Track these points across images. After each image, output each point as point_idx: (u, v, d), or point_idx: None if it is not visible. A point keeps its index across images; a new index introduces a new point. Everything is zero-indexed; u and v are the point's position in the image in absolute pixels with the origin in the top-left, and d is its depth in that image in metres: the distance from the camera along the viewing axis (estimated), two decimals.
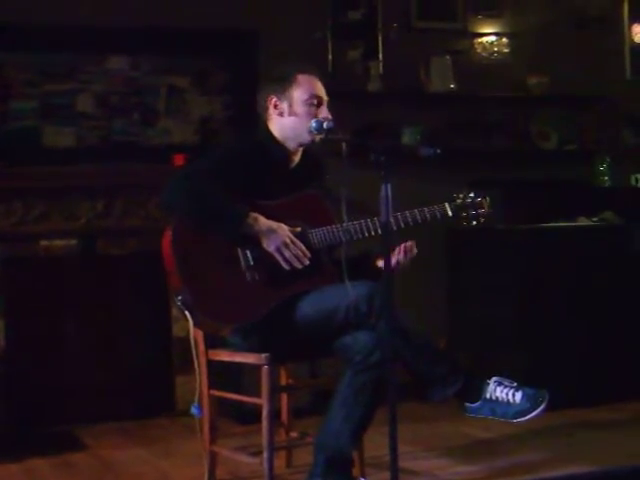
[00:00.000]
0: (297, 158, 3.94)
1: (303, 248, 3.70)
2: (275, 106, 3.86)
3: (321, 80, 3.91)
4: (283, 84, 3.86)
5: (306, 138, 3.83)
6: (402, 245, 3.79)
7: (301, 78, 3.85)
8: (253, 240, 3.68)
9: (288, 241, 3.67)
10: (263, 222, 3.67)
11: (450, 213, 3.82)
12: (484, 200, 3.86)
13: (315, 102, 3.83)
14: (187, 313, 3.67)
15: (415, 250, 3.81)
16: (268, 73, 4.08)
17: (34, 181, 5.31)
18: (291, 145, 3.89)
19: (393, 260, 3.67)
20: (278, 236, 3.66)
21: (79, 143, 5.55)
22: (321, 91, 3.87)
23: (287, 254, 3.67)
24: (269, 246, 3.66)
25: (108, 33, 5.49)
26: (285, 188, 3.82)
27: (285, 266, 3.68)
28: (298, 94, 3.83)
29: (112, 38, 5.53)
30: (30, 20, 5.31)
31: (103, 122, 5.61)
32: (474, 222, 3.86)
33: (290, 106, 3.83)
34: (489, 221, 3.91)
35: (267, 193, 3.75)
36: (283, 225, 3.70)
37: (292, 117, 3.82)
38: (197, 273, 3.66)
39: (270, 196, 3.76)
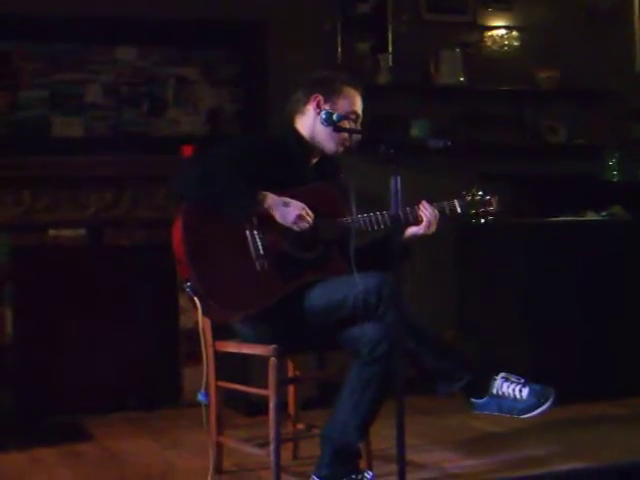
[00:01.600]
0: (316, 159, 3.95)
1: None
2: (318, 104, 3.86)
3: (363, 98, 3.93)
4: (332, 88, 3.88)
5: (330, 149, 3.88)
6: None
7: (349, 91, 3.90)
8: (264, 228, 3.68)
9: (304, 213, 3.67)
10: (275, 197, 3.67)
11: (459, 210, 3.86)
12: (493, 198, 3.90)
13: (353, 117, 3.86)
14: (196, 300, 3.67)
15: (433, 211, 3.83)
16: (313, 72, 4.07)
17: (43, 171, 5.32)
18: (315, 146, 3.90)
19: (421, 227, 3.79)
20: (294, 207, 3.67)
21: (88, 133, 5.56)
22: (360, 109, 3.92)
23: (304, 225, 3.67)
24: (286, 218, 3.66)
25: (117, 23, 5.51)
26: (300, 184, 3.81)
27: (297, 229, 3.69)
28: (343, 104, 3.86)
29: (121, 28, 5.54)
30: (39, 10, 5.31)
31: (112, 112, 5.62)
32: (482, 219, 3.89)
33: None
34: (497, 219, 3.94)
35: (281, 186, 3.74)
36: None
37: None
38: (207, 261, 3.65)
39: (283, 189, 3.76)
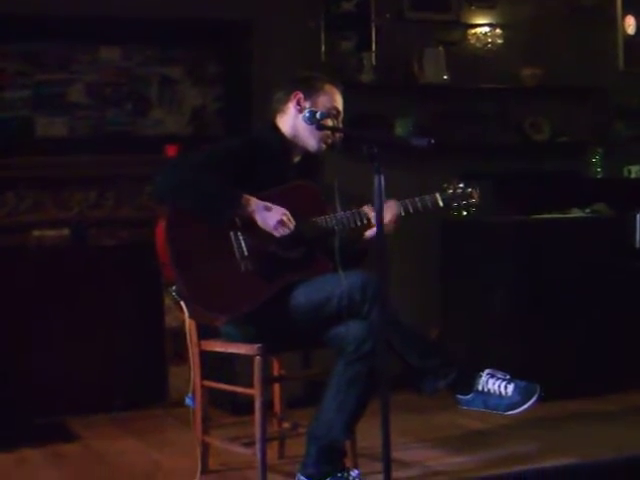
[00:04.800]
0: (298, 158, 3.96)
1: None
2: (298, 102, 3.88)
3: (342, 95, 3.94)
4: (312, 86, 3.91)
5: (313, 146, 3.90)
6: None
7: (329, 88, 3.92)
8: (247, 229, 3.68)
9: (285, 219, 3.67)
10: (257, 202, 3.68)
11: (441, 203, 3.86)
12: (474, 190, 3.91)
13: (335, 113, 3.87)
14: (182, 304, 3.67)
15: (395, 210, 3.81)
16: (294, 73, 4.10)
17: (26, 171, 5.30)
18: (297, 144, 3.91)
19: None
20: (275, 212, 3.67)
21: (71, 133, 5.55)
22: (340, 105, 3.94)
23: (285, 230, 3.67)
24: (267, 223, 3.66)
25: (100, 23, 5.48)
26: (281, 183, 3.82)
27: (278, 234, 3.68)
28: (323, 100, 3.87)
29: (104, 28, 5.52)
30: (22, 10, 5.29)
31: (95, 112, 5.60)
32: (464, 212, 3.90)
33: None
34: (479, 211, 3.95)
35: (263, 186, 3.75)
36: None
37: None
38: (191, 264, 3.65)
39: (265, 189, 3.76)
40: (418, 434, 4.71)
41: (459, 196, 3.89)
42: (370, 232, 3.81)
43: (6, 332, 5.30)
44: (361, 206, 3.77)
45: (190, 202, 3.66)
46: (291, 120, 3.90)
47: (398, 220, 3.81)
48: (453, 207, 3.89)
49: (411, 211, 3.81)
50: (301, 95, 3.88)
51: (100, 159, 5.46)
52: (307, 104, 3.83)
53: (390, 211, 3.76)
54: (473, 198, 3.90)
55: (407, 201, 3.81)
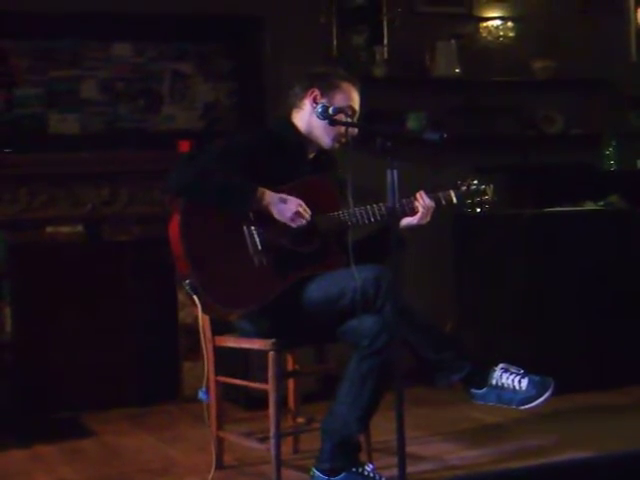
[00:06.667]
0: (312, 154, 3.96)
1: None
2: (314, 99, 3.86)
3: (360, 93, 3.93)
4: (329, 83, 3.89)
5: (327, 144, 3.89)
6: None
7: (346, 86, 3.90)
8: (261, 223, 3.68)
9: (302, 210, 3.67)
10: (272, 194, 3.68)
11: (455, 200, 3.86)
12: (488, 187, 3.91)
13: (350, 113, 3.85)
14: (195, 298, 3.67)
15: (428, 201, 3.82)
16: (311, 67, 4.08)
17: (40, 168, 5.31)
18: (312, 140, 3.91)
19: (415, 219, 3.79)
20: (291, 204, 3.67)
21: (84, 130, 5.55)
22: (357, 105, 3.91)
23: (301, 221, 3.67)
24: (283, 215, 3.66)
25: (112, 19, 5.49)
26: (296, 178, 3.82)
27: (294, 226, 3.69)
28: (339, 99, 3.85)
29: (116, 24, 5.53)
30: (34, 7, 5.30)
31: (108, 108, 5.61)
32: (478, 209, 3.90)
33: None
34: (493, 208, 3.94)
35: (278, 181, 3.75)
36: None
37: None
38: (205, 258, 3.66)
39: (280, 184, 3.76)
40: (432, 428, 4.71)
41: (473, 193, 3.88)
42: (406, 220, 3.81)
43: (21, 329, 5.31)
44: (376, 202, 3.76)
45: (205, 195, 3.66)
46: (306, 116, 3.89)
47: (430, 212, 3.81)
48: (466, 204, 3.89)
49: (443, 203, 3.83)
50: (317, 92, 3.87)
51: (113, 155, 5.47)
52: (323, 101, 3.80)
53: (427, 202, 3.78)
54: (487, 195, 3.90)
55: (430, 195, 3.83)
